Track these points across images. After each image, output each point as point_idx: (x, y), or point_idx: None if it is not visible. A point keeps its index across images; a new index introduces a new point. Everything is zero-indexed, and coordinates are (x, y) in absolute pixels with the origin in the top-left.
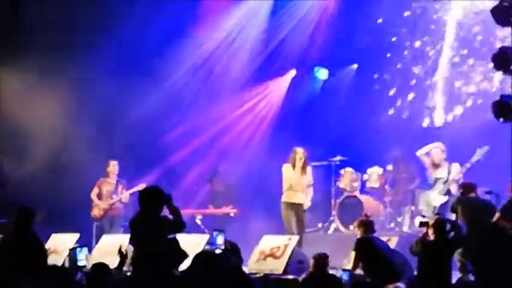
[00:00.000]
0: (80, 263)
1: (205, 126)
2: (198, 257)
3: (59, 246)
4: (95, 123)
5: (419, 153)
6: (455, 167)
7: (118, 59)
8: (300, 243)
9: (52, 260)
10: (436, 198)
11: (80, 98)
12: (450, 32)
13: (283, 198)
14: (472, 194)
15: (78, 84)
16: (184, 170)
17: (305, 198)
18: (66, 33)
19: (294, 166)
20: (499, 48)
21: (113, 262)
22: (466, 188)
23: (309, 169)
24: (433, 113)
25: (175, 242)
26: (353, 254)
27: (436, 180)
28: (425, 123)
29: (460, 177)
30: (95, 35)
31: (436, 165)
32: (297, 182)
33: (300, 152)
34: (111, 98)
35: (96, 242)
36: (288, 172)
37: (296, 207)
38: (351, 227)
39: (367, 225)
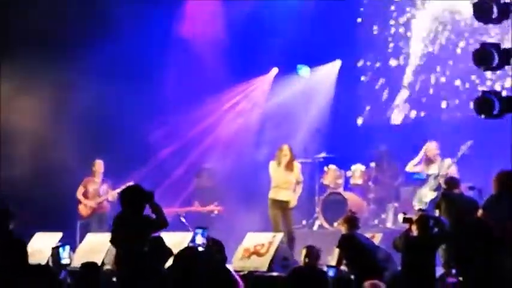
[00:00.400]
0: (63, 262)
1: (191, 124)
2: (179, 254)
3: (43, 245)
4: (80, 122)
5: (409, 168)
6: (447, 162)
7: (105, 59)
8: (290, 241)
9: (36, 259)
10: (427, 194)
11: (65, 98)
12: (421, 27)
13: (270, 195)
14: (456, 190)
15: (64, 83)
16: (171, 168)
17: (292, 196)
18: (56, 34)
19: (279, 163)
20: (481, 45)
21: (98, 260)
22: (450, 183)
23: (296, 166)
24: (412, 110)
25: (159, 239)
26: (337, 251)
27: (429, 176)
28: (407, 119)
29: (451, 172)
30: (85, 36)
31: (430, 161)
32: (282, 179)
33: (285, 149)
34: (97, 97)
35: (80, 241)
36: (273, 169)
37: (282, 205)
38: (335, 224)
39: (352, 222)
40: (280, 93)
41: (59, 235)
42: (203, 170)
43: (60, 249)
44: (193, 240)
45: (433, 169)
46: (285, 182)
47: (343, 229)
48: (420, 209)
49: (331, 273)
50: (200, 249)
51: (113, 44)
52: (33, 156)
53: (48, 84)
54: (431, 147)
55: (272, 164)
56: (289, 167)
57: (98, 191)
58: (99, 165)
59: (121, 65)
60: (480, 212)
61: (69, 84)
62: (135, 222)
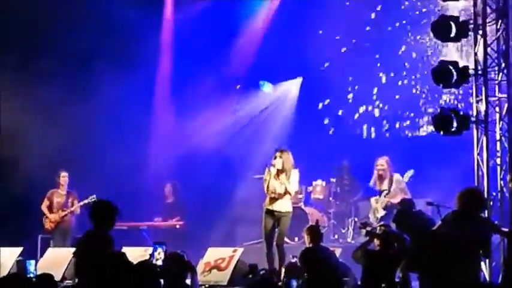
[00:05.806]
0: (29, 275)
1: (154, 139)
2: (135, 269)
3: (3, 259)
4: (43, 132)
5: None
6: (396, 176)
7: (72, 63)
8: (279, 256)
9: None
10: (379, 209)
11: (27, 100)
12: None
13: (264, 204)
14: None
15: (23, 86)
16: (133, 182)
17: (286, 206)
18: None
19: (269, 170)
20: (439, 62)
21: (58, 274)
22: (405, 204)
23: (293, 174)
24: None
25: (121, 255)
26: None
27: (381, 192)
28: (369, 135)
29: (402, 187)
30: (56, 30)
31: (381, 177)
32: (274, 187)
33: (276, 154)
34: (61, 101)
35: (41, 255)
36: (266, 176)
37: (275, 215)
38: (296, 239)
39: (315, 233)
40: (243, 110)
41: (19, 250)
42: (165, 185)
43: (27, 262)
44: (153, 253)
45: (385, 185)
46: (273, 191)
47: (306, 241)
48: (383, 225)
49: (294, 283)
50: (159, 263)
51: (83, 44)
52: None
53: (13, 84)
54: (380, 163)
55: (266, 171)
56: (278, 174)
57: (63, 204)
58: (63, 177)
59: (91, 68)
60: (438, 224)
61: (28, 86)
62: (101, 238)
